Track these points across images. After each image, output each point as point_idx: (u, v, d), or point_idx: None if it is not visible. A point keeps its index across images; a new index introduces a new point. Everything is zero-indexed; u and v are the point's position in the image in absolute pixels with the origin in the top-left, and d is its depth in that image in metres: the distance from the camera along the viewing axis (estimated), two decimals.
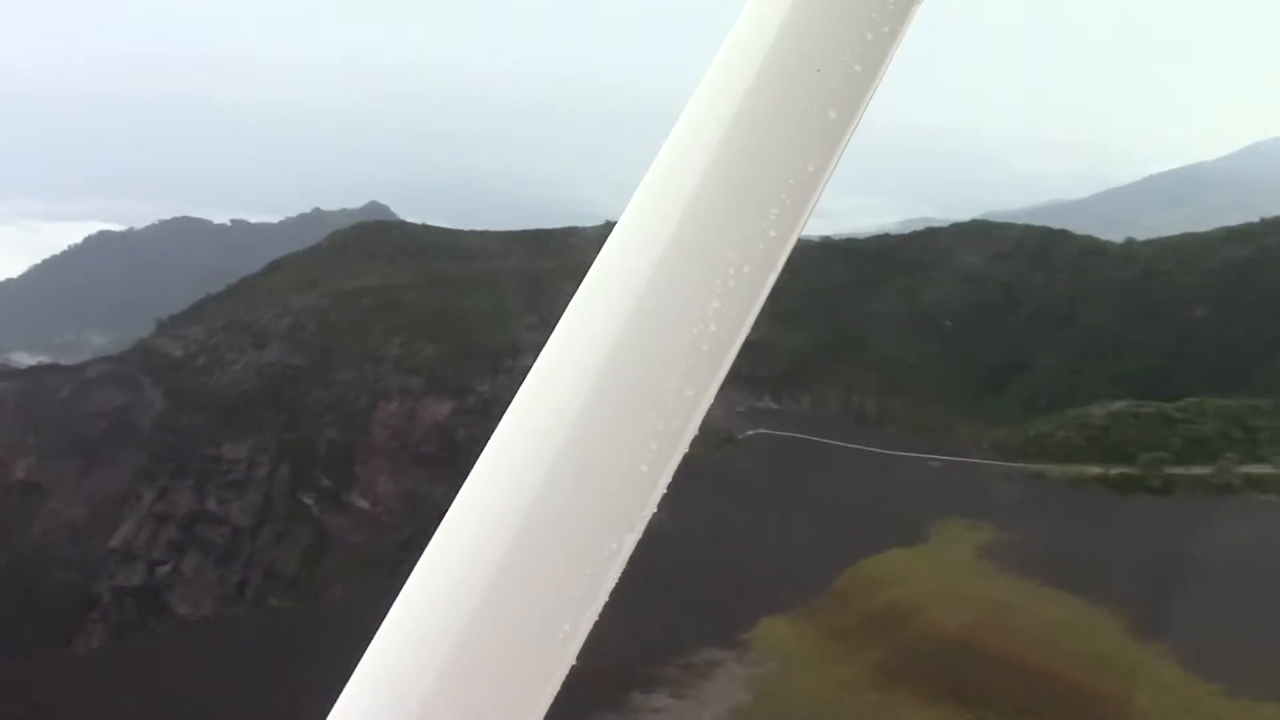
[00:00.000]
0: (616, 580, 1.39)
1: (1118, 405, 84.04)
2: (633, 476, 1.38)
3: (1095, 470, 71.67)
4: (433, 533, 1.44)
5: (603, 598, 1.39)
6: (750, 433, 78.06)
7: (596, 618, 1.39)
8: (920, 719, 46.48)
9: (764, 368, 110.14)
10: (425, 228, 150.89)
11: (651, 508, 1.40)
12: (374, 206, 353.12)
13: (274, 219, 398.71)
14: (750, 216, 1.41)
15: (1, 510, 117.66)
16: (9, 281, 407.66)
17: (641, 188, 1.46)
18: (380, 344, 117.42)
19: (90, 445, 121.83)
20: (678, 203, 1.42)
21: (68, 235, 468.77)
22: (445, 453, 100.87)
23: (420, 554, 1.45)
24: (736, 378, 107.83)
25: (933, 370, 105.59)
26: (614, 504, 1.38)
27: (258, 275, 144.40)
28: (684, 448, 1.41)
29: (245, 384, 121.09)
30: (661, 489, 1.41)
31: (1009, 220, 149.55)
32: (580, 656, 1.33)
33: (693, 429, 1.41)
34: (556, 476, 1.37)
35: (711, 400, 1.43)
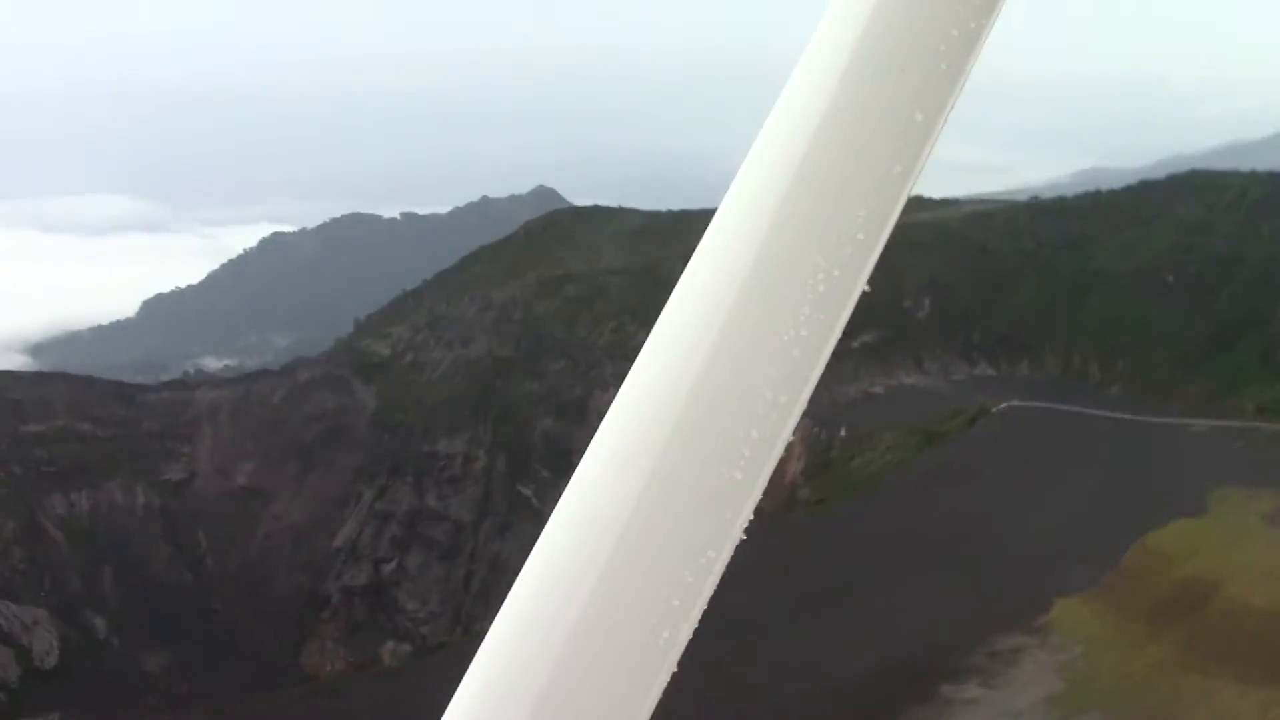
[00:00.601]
0: (715, 587, 1.40)
1: None
2: (729, 483, 1.40)
3: None
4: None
5: (702, 605, 1.40)
6: (1004, 405, 75.56)
7: (696, 624, 1.40)
8: (1246, 702, 44.07)
9: (979, 332, 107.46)
10: (619, 210, 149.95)
11: (748, 514, 1.41)
12: (542, 190, 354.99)
13: (442, 209, 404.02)
14: (838, 221, 1.41)
15: (227, 515, 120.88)
16: (190, 288, 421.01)
17: (729, 195, 1.46)
18: (590, 332, 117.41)
19: (307, 448, 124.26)
20: (765, 209, 1.42)
21: (242, 239, 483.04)
22: None
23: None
24: (950, 345, 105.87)
25: (1157, 329, 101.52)
26: (711, 511, 1.40)
27: (453, 269, 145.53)
28: (778, 454, 1.41)
29: (455, 379, 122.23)
30: (757, 495, 1.42)
31: (1195, 164, 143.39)
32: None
33: (786, 435, 1.42)
34: (654, 485, 1.39)
35: (804, 406, 1.42)
